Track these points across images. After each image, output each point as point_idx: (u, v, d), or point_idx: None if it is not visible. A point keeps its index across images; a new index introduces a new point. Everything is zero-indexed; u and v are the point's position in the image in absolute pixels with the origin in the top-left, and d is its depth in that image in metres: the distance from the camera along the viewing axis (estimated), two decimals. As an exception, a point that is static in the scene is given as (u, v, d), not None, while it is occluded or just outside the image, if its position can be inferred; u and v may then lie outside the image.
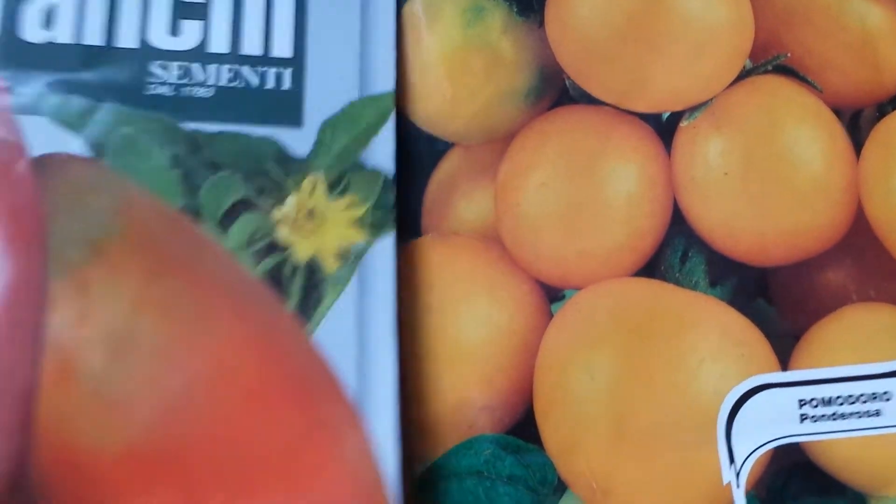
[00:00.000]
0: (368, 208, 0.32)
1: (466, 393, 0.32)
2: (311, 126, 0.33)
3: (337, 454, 0.30)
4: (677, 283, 0.33)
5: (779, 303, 0.33)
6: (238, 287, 0.31)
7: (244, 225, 0.31)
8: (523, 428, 0.32)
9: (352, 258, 0.32)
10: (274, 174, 0.32)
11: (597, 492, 0.31)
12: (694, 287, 0.33)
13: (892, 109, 0.35)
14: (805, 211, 0.34)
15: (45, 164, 0.31)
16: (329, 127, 0.33)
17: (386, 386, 0.31)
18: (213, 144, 0.32)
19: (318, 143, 0.33)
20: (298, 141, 0.33)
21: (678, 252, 0.34)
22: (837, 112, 0.34)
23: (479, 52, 0.35)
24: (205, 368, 0.30)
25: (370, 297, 0.32)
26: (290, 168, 0.32)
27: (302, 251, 0.32)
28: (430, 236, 0.34)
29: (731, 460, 0.32)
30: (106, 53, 0.33)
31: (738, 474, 0.32)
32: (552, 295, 0.34)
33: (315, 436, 0.30)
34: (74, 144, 0.32)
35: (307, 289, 0.31)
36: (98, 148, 0.31)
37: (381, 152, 0.33)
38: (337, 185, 0.32)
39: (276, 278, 0.31)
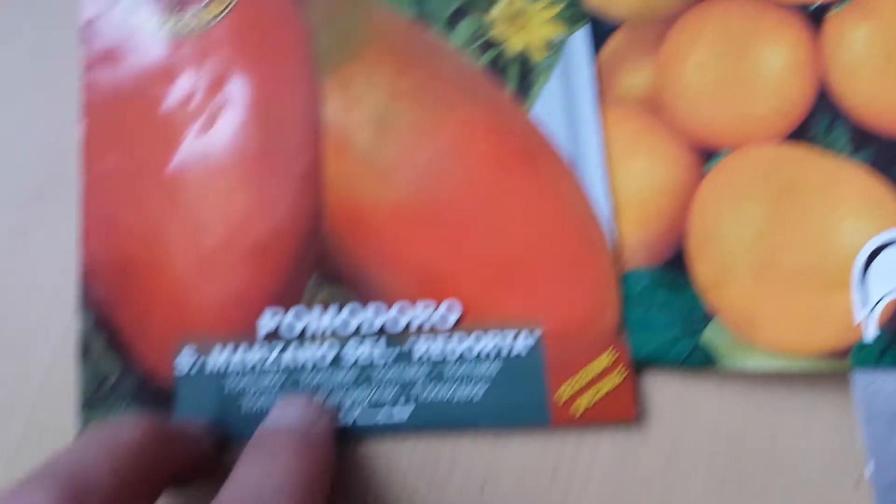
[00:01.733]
0: (563, 5, 0.38)
1: (629, 231, 0.36)
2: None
3: (560, 203, 0.36)
4: (823, 148, 0.36)
5: None
6: (467, 76, 0.37)
7: (465, 27, 0.38)
8: (676, 265, 0.35)
9: (555, 49, 0.37)
10: (486, -16, 0.37)
11: (740, 321, 0.35)
12: (838, 153, 0.35)
13: None
14: None
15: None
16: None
17: (593, 150, 0.36)
18: (434, -35, 0.38)
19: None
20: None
21: (824, 122, 0.36)
22: None
23: None
24: (448, 141, 0.36)
25: (573, 79, 0.37)
26: (497, -21, 0.37)
27: (514, 46, 0.37)
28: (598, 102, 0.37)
29: (864, 302, 0.34)
30: None
31: (870, 313, 0.34)
32: (707, 155, 0.37)
33: (540, 189, 0.36)
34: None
35: (521, 75, 0.37)
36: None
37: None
38: (537, -11, 0.37)
39: (496, 68, 0.37)
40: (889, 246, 0.34)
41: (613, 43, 0.38)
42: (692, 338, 0.35)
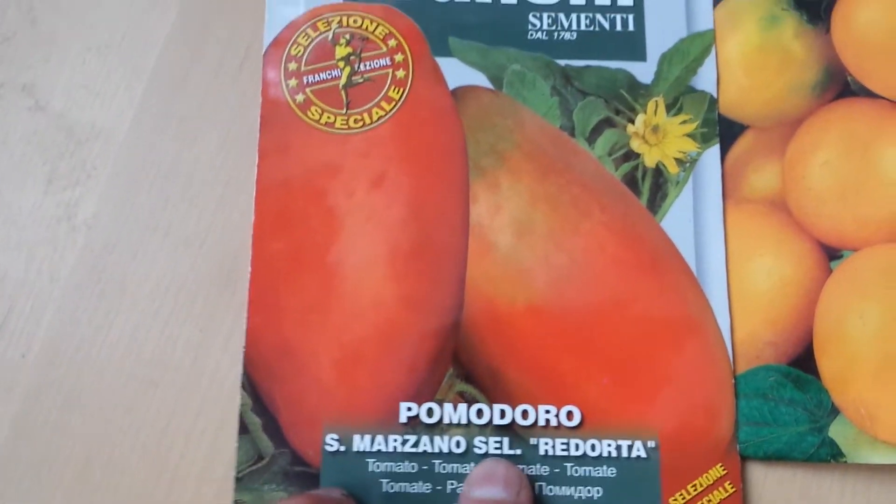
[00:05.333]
0: (698, 123, 0.41)
1: (755, 330, 0.38)
2: (652, 59, 0.41)
3: (684, 309, 0.39)
4: None
5: None
6: (604, 185, 0.40)
7: (606, 138, 0.41)
8: (802, 362, 0.38)
9: (688, 163, 0.40)
10: (627, 98, 0.41)
11: (865, 417, 0.37)
12: None
13: None
14: None
15: (460, 95, 0.41)
16: (665, 59, 0.41)
17: (718, 262, 0.39)
18: (580, 76, 0.41)
19: (658, 73, 0.41)
20: (643, 71, 0.41)
21: None
22: None
23: (773, 52, 0.41)
24: (581, 247, 0.39)
25: (703, 193, 0.40)
26: (638, 93, 0.41)
27: (650, 158, 0.40)
28: (727, 201, 0.40)
29: None
30: (493, 8, 0.42)
31: None
32: (831, 254, 0.39)
33: (664, 297, 0.39)
34: (478, 78, 0.41)
35: (655, 187, 0.40)
36: (496, 81, 0.41)
37: (706, 78, 0.41)
38: (673, 106, 0.41)
39: (632, 179, 0.40)
40: None
41: (742, 144, 0.40)
42: (819, 433, 0.37)
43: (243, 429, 0.37)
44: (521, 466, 0.36)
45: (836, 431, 0.37)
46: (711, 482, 0.36)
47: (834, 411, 0.37)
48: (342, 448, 0.36)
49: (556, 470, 0.36)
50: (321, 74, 0.40)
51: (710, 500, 0.36)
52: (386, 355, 0.37)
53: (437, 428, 0.36)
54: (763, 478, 0.38)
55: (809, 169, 0.40)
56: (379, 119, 0.39)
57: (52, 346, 0.39)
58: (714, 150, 0.40)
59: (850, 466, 0.37)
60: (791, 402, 0.37)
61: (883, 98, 0.40)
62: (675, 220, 0.40)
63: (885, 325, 0.37)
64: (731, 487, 0.36)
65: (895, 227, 0.39)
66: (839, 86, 0.41)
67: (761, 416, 0.37)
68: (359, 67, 0.40)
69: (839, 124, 0.40)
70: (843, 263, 0.38)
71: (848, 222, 0.39)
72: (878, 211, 0.39)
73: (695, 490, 0.36)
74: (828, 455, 0.37)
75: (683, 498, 0.36)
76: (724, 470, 0.36)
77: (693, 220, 0.40)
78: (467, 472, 0.36)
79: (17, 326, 0.39)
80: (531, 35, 0.41)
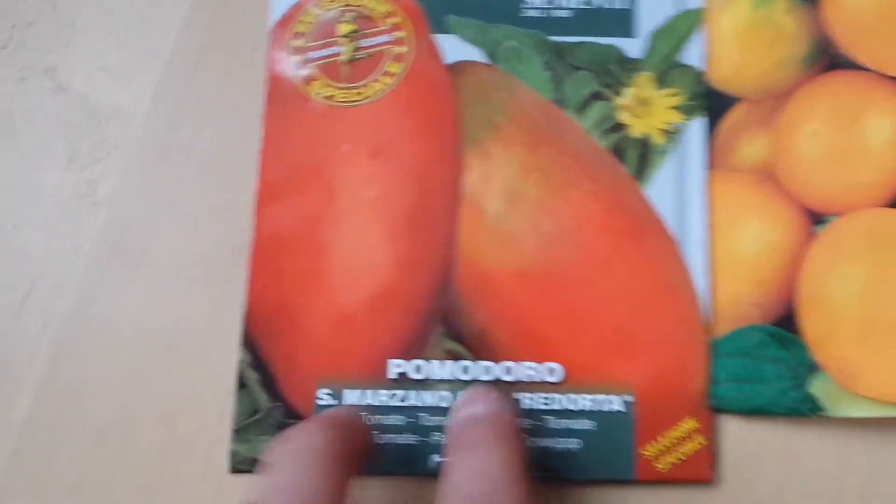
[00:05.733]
0: (686, 96, 0.42)
1: (741, 292, 0.40)
2: (643, 35, 0.43)
3: (661, 276, 0.40)
4: None
5: None
6: (592, 156, 0.42)
7: (596, 111, 0.42)
8: (787, 322, 0.39)
9: (674, 134, 0.42)
10: (616, 73, 0.43)
11: (847, 374, 0.38)
12: None
13: None
14: None
15: (458, 70, 0.43)
16: (655, 35, 0.43)
17: (698, 229, 0.41)
18: (572, 52, 0.43)
19: (648, 48, 0.43)
20: (633, 47, 0.43)
21: None
22: None
23: (765, 28, 0.42)
24: (569, 214, 0.41)
25: (687, 163, 0.42)
26: (627, 68, 0.43)
27: (637, 129, 0.42)
28: (717, 171, 0.41)
29: None
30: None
31: None
32: (817, 220, 0.41)
33: (645, 262, 0.40)
34: (474, 53, 0.43)
35: (641, 157, 0.42)
36: (492, 56, 0.43)
37: (694, 53, 0.43)
38: (662, 80, 0.43)
39: (619, 149, 0.42)
40: None
41: (733, 116, 0.42)
42: (801, 389, 0.39)
43: (242, 384, 0.39)
44: (504, 421, 0.38)
45: (817, 387, 0.38)
46: (683, 434, 0.37)
47: (815, 369, 0.38)
48: (334, 402, 0.38)
49: (538, 423, 0.38)
50: (324, 51, 0.42)
51: (682, 451, 0.37)
52: (378, 315, 0.39)
53: (425, 384, 0.38)
54: (744, 432, 0.39)
55: (799, 138, 0.41)
56: (379, 93, 0.41)
57: (73, 318, 0.41)
58: (700, 122, 0.42)
59: (829, 421, 0.38)
60: (775, 360, 0.39)
61: (870, 70, 0.41)
62: (660, 189, 0.41)
63: (868, 285, 0.39)
64: (704, 440, 0.37)
65: (879, 191, 0.40)
66: (828, 59, 0.42)
67: (745, 374, 0.39)
68: (360, 44, 0.42)
69: (828, 96, 0.41)
70: (828, 227, 0.40)
71: (835, 188, 0.40)
72: (864, 177, 0.40)
73: (666, 441, 0.37)
74: (808, 409, 0.38)
75: (657, 448, 0.37)
76: (697, 424, 0.37)
77: (676, 189, 0.41)
78: (453, 426, 0.38)
79: (41, 301, 0.42)
80: (526, 13, 0.43)
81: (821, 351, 0.39)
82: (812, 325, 0.39)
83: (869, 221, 0.40)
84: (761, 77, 0.42)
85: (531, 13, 0.43)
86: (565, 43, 0.42)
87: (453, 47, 0.43)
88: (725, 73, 0.42)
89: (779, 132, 0.41)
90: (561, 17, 0.42)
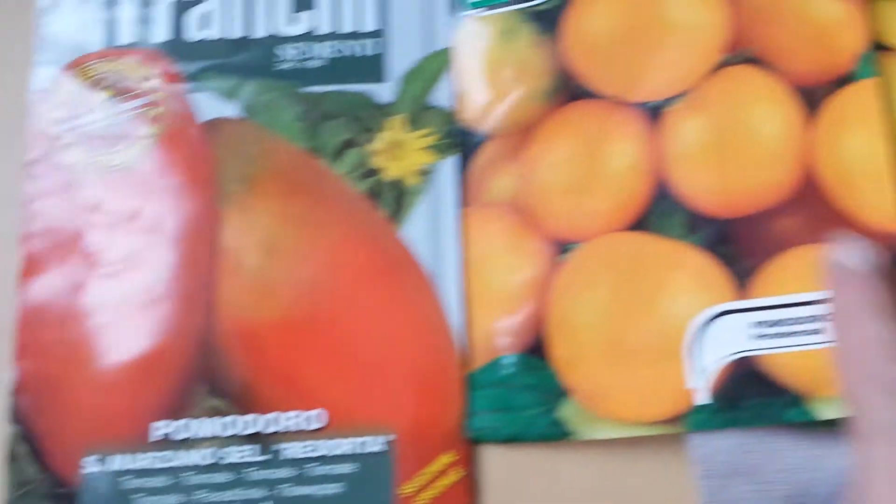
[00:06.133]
0: (439, 136, 0.43)
1: (495, 323, 0.41)
2: (393, 79, 0.44)
3: (419, 312, 0.41)
4: (661, 234, 0.41)
5: (743, 246, 0.40)
6: (348, 201, 0.42)
7: (350, 157, 0.43)
8: (538, 350, 0.40)
9: (428, 174, 0.43)
10: (369, 118, 0.44)
11: (592, 398, 0.39)
12: (675, 237, 0.41)
13: (843, 86, 0.41)
14: (763, 172, 0.41)
15: (213, 127, 0.44)
16: (406, 78, 0.44)
17: (453, 265, 0.42)
18: (325, 101, 0.44)
19: (399, 92, 0.44)
20: (385, 92, 0.44)
21: (663, 210, 0.41)
22: (800, 90, 0.41)
23: (510, 64, 0.44)
24: (327, 260, 0.42)
25: (441, 202, 0.43)
26: (379, 112, 0.44)
27: (391, 172, 0.43)
28: (470, 208, 0.42)
29: (696, 371, 0.39)
30: (243, 43, 0.45)
31: (701, 380, 0.39)
32: (562, 248, 0.42)
33: (400, 302, 0.42)
34: (230, 110, 0.44)
35: (396, 199, 0.43)
36: (248, 111, 0.44)
37: (445, 94, 0.44)
38: (415, 122, 0.44)
39: (374, 193, 0.43)
40: (717, 318, 0.39)
41: (485, 152, 0.43)
42: (550, 414, 0.39)
43: (12, 457, 0.39)
44: (268, 471, 0.38)
45: (566, 412, 0.39)
46: (441, 468, 0.38)
47: (565, 394, 0.40)
48: (101, 469, 0.38)
49: (300, 471, 0.38)
50: (83, 118, 0.43)
51: (440, 485, 0.38)
52: (141, 379, 0.40)
53: (187, 443, 0.39)
54: (505, 461, 0.40)
55: (542, 170, 0.42)
56: (135, 156, 0.42)
57: None
58: (453, 161, 0.43)
59: (586, 443, 0.40)
60: (527, 387, 0.40)
61: (606, 98, 0.43)
62: (416, 229, 0.42)
63: (610, 309, 0.40)
64: (461, 471, 0.38)
65: (618, 216, 0.41)
66: (570, 91, 0.43)
67: (501, 403, 0.40)
68: (119, 108, 0.42)
69: (569, 126, 0.43)
70: (571, 254, 0.41)
71: (577, 216, 0.41)
72: (604, 203, 0.41)
73: (425, 477, 0.38)
74: (558, 434, 0.39)
75: (415, 485, 0.38)
76: (455, 456, 0.38)
77: (432, 228, 0.42)
78: (217, 482, 0.38)
79: None
80: (280, 66, 0.44)
81: (569, 376, 0.39)
82: (560, 351, 0.40)
83: (608, 246, 0.41)
84: (509, 112, 0.43)
85: (285, 66, 0.43)
86: (317, 92, 0.43)
87: (209, 105, 0.44)
88: (475, 110, 0.43)
89: (525, 165, 0.42)
90: (314, 68, 0.43)
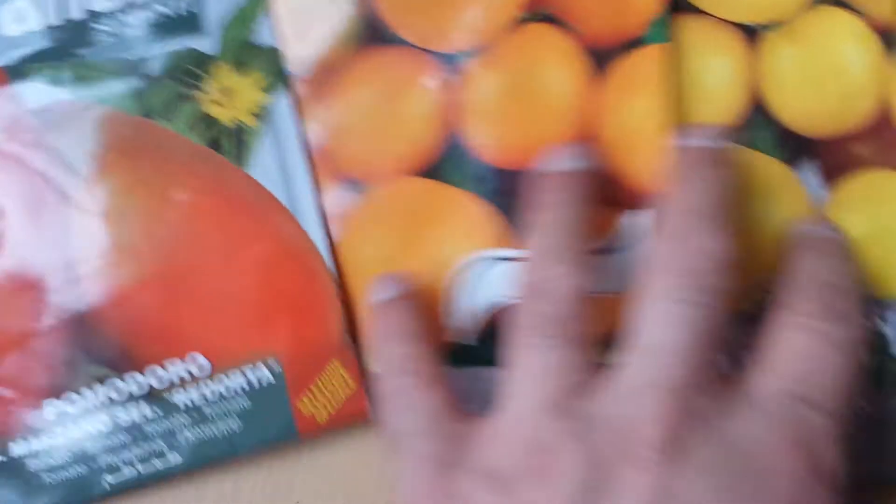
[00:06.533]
0: (266, 76, 0.44)
1: None
2: (214, 32, 0.45)
3: (283, 243, 0.43)
4: (450, 182, 0.43)
5: (524, 199, 0.41)
6: (192, 155, 0.44)
7: (185, 112, 0.44)
8: None
9: (264, 115, 0.44)
10: (196, 72, 0.44)
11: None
12: (462, 186, 0.42)
13: (632, 49, 0.43)
14: (548, 129, 0.42)
15: (46, 111, 0.44)
16: (226, 27, 0.45)
17: (307, 195, 0.44)
18: (149, 64, 0.45)
19: (221, 40, 0.45)
20: (207, 44, 0.45)
21: (454, 159, 0.43)
22: (592, 51, 0.43)
23: (320, 7, 0.45)
24: (181, 215, 0.43)
25: (282, 138, 0.44)
26: (206, 64, 0.45)
27: (227, 119, 0.44)
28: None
29: (464, 311, 0.42)
30: (62, 29, 0.45)
31: (469, 322, 0.42)
32: (358, 189, 0.44)
33: (266, 234, 0.43)
34: (63, 94, 0.45)
35: (238, 144, 0.44)
36: (76, 92, 0.45)
37: (267, 34, 0.45)
38: (242, 65, 0.45)
39: (216, 142, 0.44)
40: (486, 262, 0.41)
41: (295, 94, 0.44)
42: None
43: None
44: (166, 422, 0.39)
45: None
46: (332, 377, 0.40)
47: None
48: (2, 458, 0.39)
49: (196, 416, 0.39)
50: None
51: (334, 395, 0.39)
52: (21, 363, 0.40)
53: (80, 415, 0.40)
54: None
55: (340, 112, 0.44)
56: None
57: None
58: (284, 96, 0.44)
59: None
60: None
61: (410, 46, 0.44)
62: (263, 168, 0.43)
63: (395, 249, 0.43)
64: (353, 383, 0.39)
65: (409, 163, 0.43)
66: (377, 36, 0.44)
67: None
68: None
69: (370, 70, 0.44)
70: (364, 196, 0.43)
71: (372, 159, 0.43)
72: (396, 148, 0.43)
73: (319, 391, 0.39)
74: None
75: (309, 399, 0.40)
76: (342, 367, 0.40)
77: (278, 164, 0.43)
78: (116, 443, 0.39)
79: None
80: (101, 41, 0.44)
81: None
82: (351, 282, 0.43)
83: (397, 190, 0.43)
84: (317, 55, 0.44)
85: (103, 38, 0.44)
86: (142, 58, 0.43)
87: (38, 92, 0.44)
88: (289, 52, 0.44)
89: (329, 109, 0.44)
90: (135, 36, 0.44)
